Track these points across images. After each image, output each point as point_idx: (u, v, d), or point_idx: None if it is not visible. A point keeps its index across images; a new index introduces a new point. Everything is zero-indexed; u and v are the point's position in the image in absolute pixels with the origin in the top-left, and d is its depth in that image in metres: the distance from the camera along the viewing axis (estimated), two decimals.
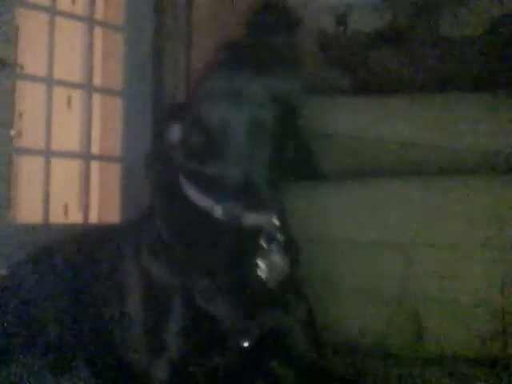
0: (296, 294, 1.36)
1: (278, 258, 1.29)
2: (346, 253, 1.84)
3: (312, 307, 1.40)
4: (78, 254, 1.59)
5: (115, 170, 3.06)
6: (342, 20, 2.68)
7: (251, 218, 1.27)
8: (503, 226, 1.68)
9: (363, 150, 1.88)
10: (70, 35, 3.02)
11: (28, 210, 2.92)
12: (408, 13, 2.45)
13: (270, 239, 1.30)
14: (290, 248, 1.34)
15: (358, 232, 1.83)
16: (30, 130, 3.04)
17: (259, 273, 1.27)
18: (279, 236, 1.31)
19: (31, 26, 3.01)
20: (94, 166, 3.09)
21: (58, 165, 2.87)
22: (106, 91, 3.12)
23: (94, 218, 3.07)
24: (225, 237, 1.27)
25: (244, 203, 1.25)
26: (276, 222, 1.31)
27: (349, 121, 1.90)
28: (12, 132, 2.67)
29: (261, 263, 1.28)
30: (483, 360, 1.67)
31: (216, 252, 1.27)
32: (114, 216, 3.05)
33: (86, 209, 2.93)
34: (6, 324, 1.51)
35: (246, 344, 1.25)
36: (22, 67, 2.79)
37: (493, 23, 2.20)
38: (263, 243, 1.29)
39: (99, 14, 3.15)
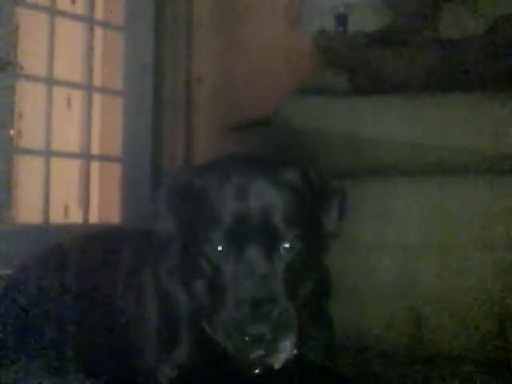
0: (319, 322, 1.30)
1: (282, 342, 1.16)
2: (346, 253, 1.83)
3: (333, 325, 1.34)
4: (88, 256, 1.57)
5: (115, 170, 3.06)
6: (341, 20, 2.68)
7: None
8: (503, 226, 1.68)
9: (363, 150, 1.88)
10: (70, 35, 3.02)
11: (28, 210, 2.92)
12: (408, 13, 2.44)
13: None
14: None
15: (357, 232, 1.83)
16: (30, 130, 3.04)
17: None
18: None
19: (31, 26, 3.01)
20: (94, 166, 3.09)
21: (58, 165, 2.87)
22: (105, 91, 3.12)
23: (94, 218, 3.07)
24: None
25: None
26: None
27: (349, 121, 1.90)
28: (12, 132, 2.67)
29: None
30: (483, 360, 1.67)
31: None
32: (114, 216, 3.05)
33: (85, 209, 2.93)
34: (10, 323, 1.51)
35: (257, 371, 1.18)
36: (21, 67, 2.79)
37: (493, 23, 2.20)
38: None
39: (99, 14, 3.15)
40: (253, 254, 1.10)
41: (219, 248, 1.11)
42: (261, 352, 1.09)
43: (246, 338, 1.06)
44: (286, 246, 1.12)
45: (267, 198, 1.13)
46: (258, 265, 1.10)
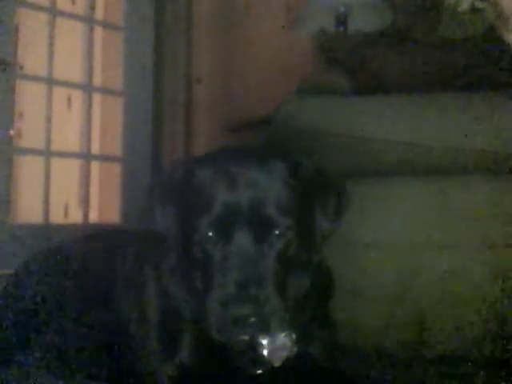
0: (321, 322, 1.31)
1: (281, 339, 1.21)
2: (347, 253, 1.84)
3: (335, 325, 1.36)
4: (90, 256, 1.57)
5: (115, 170, 3.06)
6: (341, 20, 2.68)
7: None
8: (503, 226, 1.68)
9: (363, 150, 1.88)
10: (70, 35, 3.02)
11: (28, 210, 2.92)
12: (408, 13, 2.45)
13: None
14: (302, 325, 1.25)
15: (358, 232, 1.83)
16: (30, 130, 3.04)
17: (262, 351, 1.21)
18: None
19: (31, 26, 3.01)
20: (94, 165, 3.09)
21: (58, 165, 2.87)
22: (105, 91, 3.12)
23: (94, 218, 3.07)
24: None
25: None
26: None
27: (349, 121, 1.90)
28: (12, 132, 2.67)
29: (263, 341, 1.21)
30: (483, 360, 1.67)
31: None
32: (114, 216, 3.05)
33: (85, 209, 2.93)
34: (11, 324, 1.51)
35: (259, 372, 1.21)
36: (21, 67, 2.79)
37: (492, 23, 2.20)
38: None
39: (99, 14, 3.15)
40: (242, 239, 1.12)
41: (209, 234, 1.14)
42: (246, 336, 1.11)
43: (230, 319, 1.07)
44: (276, 233, 1.14)
45: (256, 186, 1.15)
46: (247, 250, 1.12)
